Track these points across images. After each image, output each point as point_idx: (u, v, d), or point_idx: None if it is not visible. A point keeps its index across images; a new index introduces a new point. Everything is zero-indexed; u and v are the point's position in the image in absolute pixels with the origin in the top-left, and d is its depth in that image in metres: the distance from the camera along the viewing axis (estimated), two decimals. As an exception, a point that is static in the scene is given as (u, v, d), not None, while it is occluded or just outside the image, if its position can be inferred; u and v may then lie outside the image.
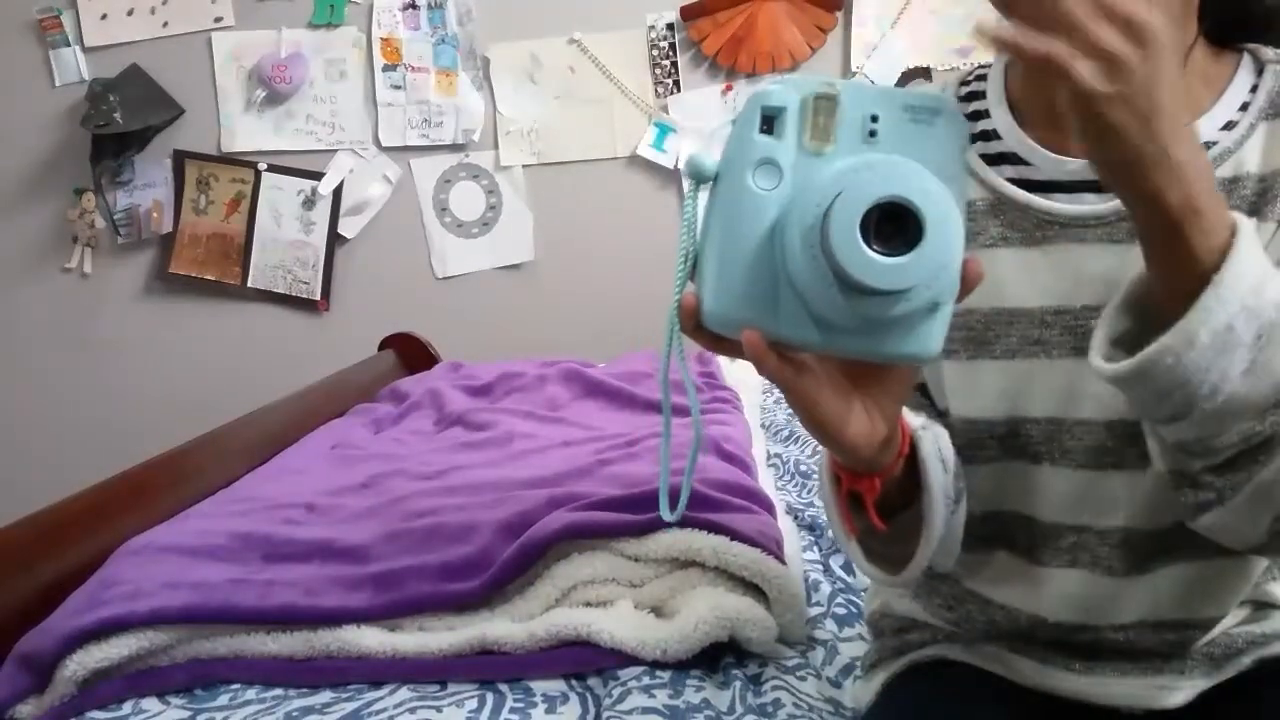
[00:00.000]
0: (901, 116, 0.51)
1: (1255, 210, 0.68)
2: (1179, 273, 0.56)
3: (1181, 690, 0.75)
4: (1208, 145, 0.69)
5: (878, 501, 0.63)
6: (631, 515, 1.13)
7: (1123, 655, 0.76)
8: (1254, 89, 0.71)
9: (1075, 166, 0.72)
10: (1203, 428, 0.59)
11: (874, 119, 0.50)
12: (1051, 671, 0.78)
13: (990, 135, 0.76)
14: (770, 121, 0.51)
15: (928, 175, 0.47)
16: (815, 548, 1.29)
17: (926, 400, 0.79)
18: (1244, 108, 0.70)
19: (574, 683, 1.01)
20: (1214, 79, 0.71)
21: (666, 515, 0.63)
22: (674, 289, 0.53)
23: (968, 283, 0.50)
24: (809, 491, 1.52)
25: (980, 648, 0.81)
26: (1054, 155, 0.73)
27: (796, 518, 1.38)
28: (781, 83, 0.52)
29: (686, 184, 0.53)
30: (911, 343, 0.51)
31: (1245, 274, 0.55)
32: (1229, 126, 0.70)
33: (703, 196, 0.54)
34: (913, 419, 0.68)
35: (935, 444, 0.70)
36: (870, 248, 0.46)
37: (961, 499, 0.74)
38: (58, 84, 2.82)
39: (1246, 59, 0.72)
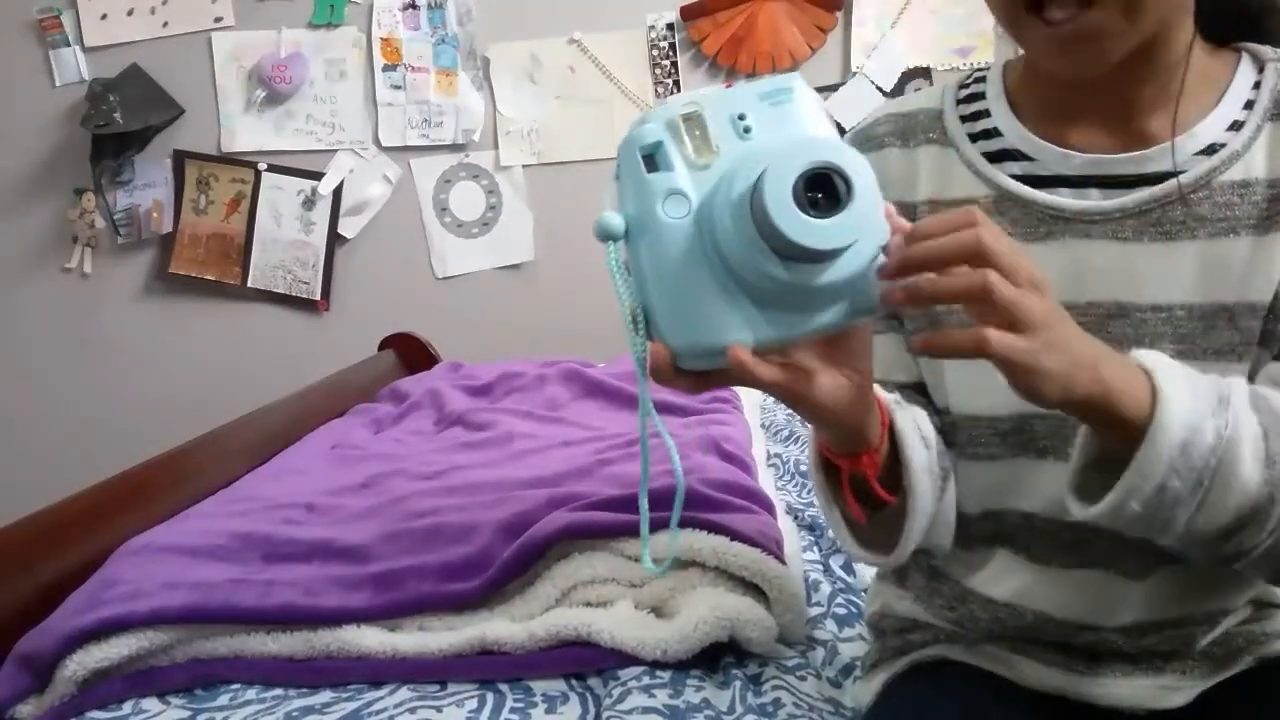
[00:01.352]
0: (762, 106, 0.53)
1: (1267, 217, 0.68)
2: (1114, 439, 0.60)
3: (1183, 690, 0.75)
4: (1215, 147, 0.70)
5: (864, 485, 0.65)
6: (631, 515, 1.13)
7: (1125, 656, 0.76)
8: (1256, 86, 0.71)
9: (1080, 161, 0.72)
10: (1179, 548, 0.62)
11: (741, 117, 0.53)
12: (1053, 672, 0.78)
13: (992, 133, 0.76)
14: (651, 159, 0.53)
15: (835, 140, 0.51)
16: (815, 548, 1.29)
17: (923, 399, 0.79)
18: (1248, 106, 0.70)
19: (574, 683, 1.01)
20: (1214, 77, 0.71)
21: (649, 567, 0.63)
22: (633, 352, 0.54)
23: (894, 225, 0.53)
24: (809, 491, 1.52)
25: (982, 648, 0.81)
26: (1058, 149, 0.73)
27: (796, 518, 1.38)
28: (642, 122, 0.53)
29: (607, 250, 0.54)
30: (865, 299, 0.54)
31: (1167, 441, 0.57)
32: (1235, 127, 0.70)
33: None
34: (885, 395, 0.69)
35: (912, 421, 0.71)
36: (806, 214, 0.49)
37: (949, 477, 0.75)
38: (58, 84, 2.82)
39: (1245, 57, 0.72)
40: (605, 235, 0.54)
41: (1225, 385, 0.60)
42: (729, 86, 0.54)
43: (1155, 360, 0.60)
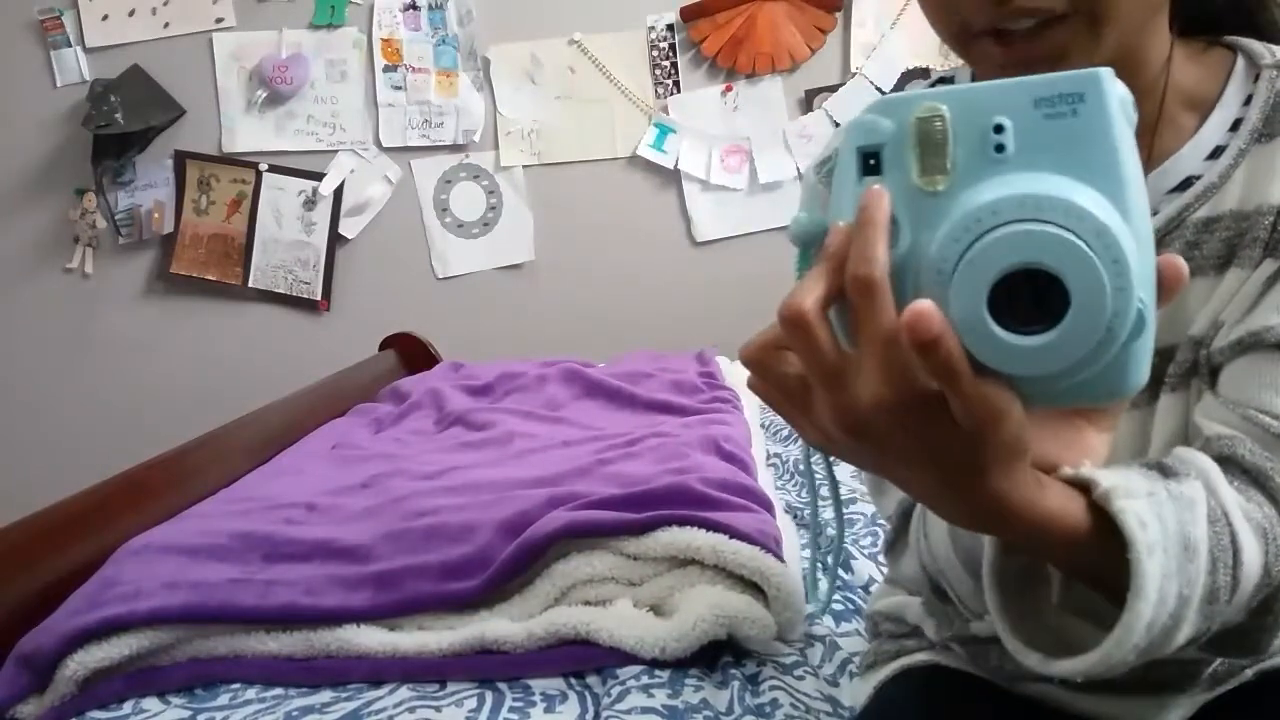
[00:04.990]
0: (1034, 115, 0.38)
1: (1230, 250, 0.63)
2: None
3: (1181, 705, 0.74)
4: (1189, 181, 0.64)
5: None
6: (631, 514, 1.13)
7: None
8: (1248, 99, 0.64)
9: None
10: None
11: (998, 129, 0.39)
12: (1047, 686, 0.77)
13: None
14: (870, 161, 0.40)
15: (1076, 209, 0.36)
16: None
17: None
18: (1235, 126, 0.64)
19: (573, 682, 1.01)
20: (1199, 96, 0.65)
21: (813, 606, 0.53)
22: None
23: (1167, 286, 0.40)
24: (808, 490, 1.52)
25: (976, 656, 0.81)
26: None
27: (795, 517, 1.39)
28: (877, 107, 0.41)
29: (795, 254, 0.43)
30: (1105, 384, 0.40)
31: (1136, 635, 0.46)
32: (1216, 153, 0.64)
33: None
34: None
35: None
36: (1003, 327, 0.36)
37: None
38: (59, 84, 2.82)
39: (1240, 65, 0.65)
40: (800, 239, 0.43)
41: (1188, 514, 0.48)
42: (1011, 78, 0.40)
43: (1130, 519, 0.45)
